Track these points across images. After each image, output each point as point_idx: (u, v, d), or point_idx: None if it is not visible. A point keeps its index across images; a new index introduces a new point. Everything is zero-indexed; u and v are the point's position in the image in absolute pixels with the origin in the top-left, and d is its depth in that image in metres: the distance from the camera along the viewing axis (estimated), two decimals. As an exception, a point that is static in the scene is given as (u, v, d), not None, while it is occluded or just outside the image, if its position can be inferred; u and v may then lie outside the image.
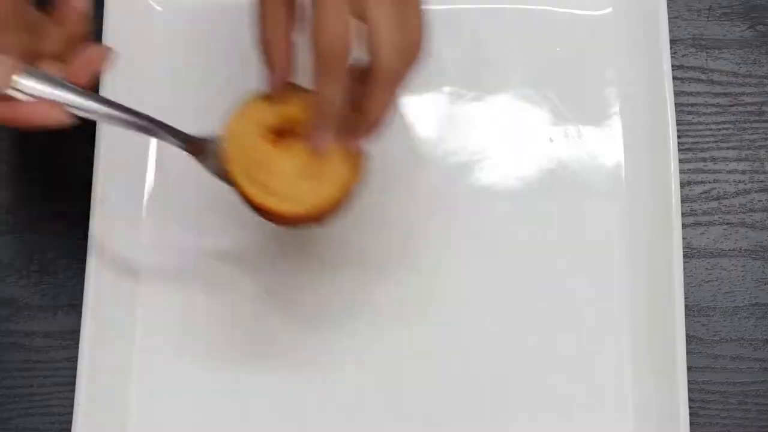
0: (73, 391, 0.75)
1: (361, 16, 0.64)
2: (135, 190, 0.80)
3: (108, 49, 0.71)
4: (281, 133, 0.70)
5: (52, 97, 0.68)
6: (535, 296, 0.78)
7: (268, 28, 0.68)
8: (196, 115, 0.77)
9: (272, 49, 0.68)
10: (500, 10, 0.83)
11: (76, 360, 0.75)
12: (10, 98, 0.68)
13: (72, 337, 0.78)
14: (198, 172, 0.81)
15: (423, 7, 0.66)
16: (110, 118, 0.70)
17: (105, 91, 0.78)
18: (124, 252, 0.78)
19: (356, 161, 0.70)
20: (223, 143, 0.70)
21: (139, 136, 0.80)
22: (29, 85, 0.68)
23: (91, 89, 0.70)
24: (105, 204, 0.78)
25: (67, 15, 0.70)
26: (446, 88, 0.82)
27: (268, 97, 0.70)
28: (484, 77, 0.81)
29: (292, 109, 0.70)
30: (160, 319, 0.79)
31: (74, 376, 0.75)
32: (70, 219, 0.81)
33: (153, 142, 0.81)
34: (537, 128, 0.81)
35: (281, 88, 0.70)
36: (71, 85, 0.69)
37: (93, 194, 0.77)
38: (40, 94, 0.68)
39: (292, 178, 0.70)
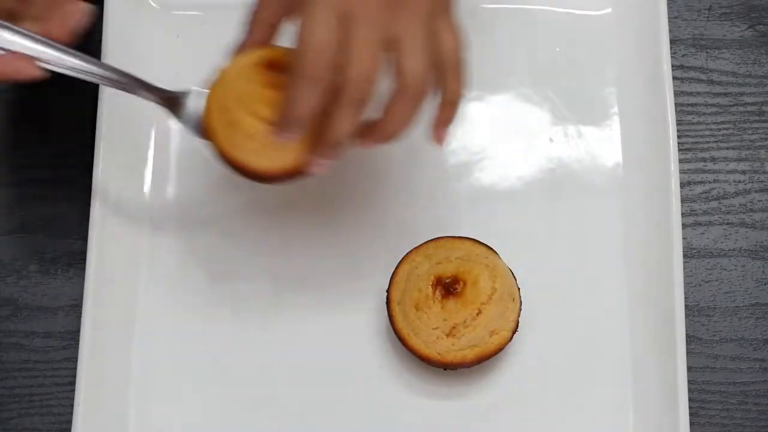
0: (73, 391, 0.75)
1: (387, 31, 0.65)
2: (135, 189, 0.80)
3: (84, 5, 0.72)
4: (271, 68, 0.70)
5: (28, 52, 0.69)
6: (535, 296, 0.77)
7: (258, 9, 0.69)
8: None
9: (256, 21, 0.69)
10: (500, 10, 0.83)
11: (76, 360, 0.75)
12: None
13: (72, 337, 0.78)
14: (197, 172, 0.81)
15: (455, 22, 0.67)
16: (85, 72, 0.71)
17: (104, 91, 0.78)
18: (124, 252, 0.78)
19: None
20: (204, 94, 0.71)
21: (139, 137, 0.80)
22: (4, 39, 0.69)
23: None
24: (105, 204, 0.78)
25: None
26: (446, 88, 0.82)
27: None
28: (484, 77, 0.81)
29: (280, 53, 0.70)
30: (160, 320, 0.78)
31: (74, 376, 0.75)
32: (69, 219, 0.81)
33: (153, 142, 0.81)
34: (537, 128, 0.81)
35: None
36: (47, 40, 0.70)
37: (93, 194, 0.77)
38: (16, 48, 0.69)
39: (263, 137, 0.69)
